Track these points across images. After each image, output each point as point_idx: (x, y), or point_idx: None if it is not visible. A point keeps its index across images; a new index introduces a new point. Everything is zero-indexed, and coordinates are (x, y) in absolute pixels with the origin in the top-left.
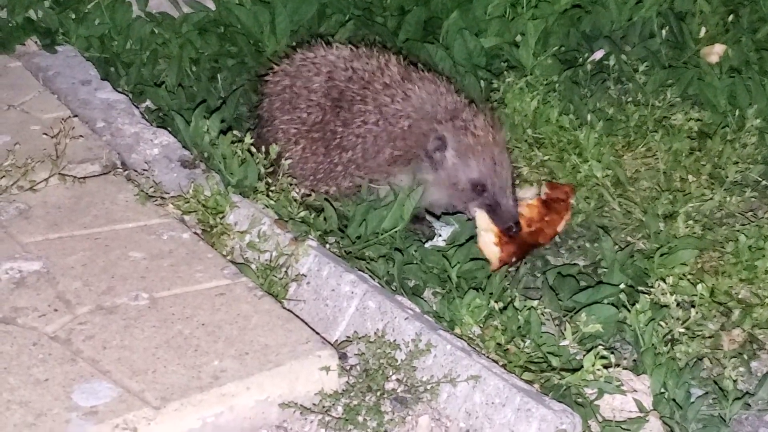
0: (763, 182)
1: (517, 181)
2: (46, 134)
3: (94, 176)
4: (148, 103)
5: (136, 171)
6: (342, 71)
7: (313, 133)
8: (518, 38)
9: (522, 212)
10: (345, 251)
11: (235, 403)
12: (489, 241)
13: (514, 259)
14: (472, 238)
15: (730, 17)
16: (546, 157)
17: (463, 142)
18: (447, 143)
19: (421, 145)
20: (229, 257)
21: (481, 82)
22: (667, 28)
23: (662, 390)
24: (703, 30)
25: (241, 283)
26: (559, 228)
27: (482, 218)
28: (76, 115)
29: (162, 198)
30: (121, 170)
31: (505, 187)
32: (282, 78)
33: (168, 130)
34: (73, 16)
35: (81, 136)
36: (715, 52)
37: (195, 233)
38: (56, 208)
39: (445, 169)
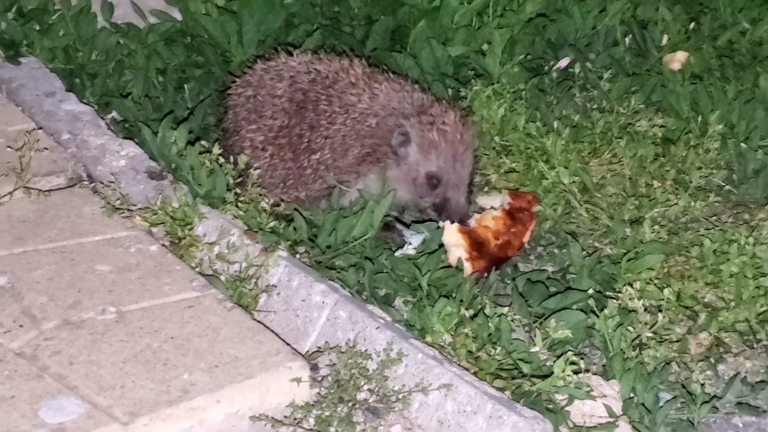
0: (727, 187)
1: (486, 188)
2: (10, 147)
3: (60, 189)
4: (114, 114)
5: (102, 183)
6: (305, 74)
7: (280, 139)
8: (485, 47)
9: (488, 225)
10: (315, 261)
11: (205, 417)
12: (459, 256)
13: (485, 275)
14: (442, 246)
15: (692, 25)
16: (514, 164)
17: (427, 137)
18: (411, 138)
19: (387, 142)
20: (197, 269)
21: (449, 90)
22: (631, 36)
23: (631, 395)
24: (666, 38)
25: (211, 295)
26: (525, 238)
27: (450, 234)
28: (40, 128)
29: (129, 210)
30: (87, 182)
31: (461, 184)
32: (245, 89)
33: (135, 142)
34: (38, 28)
35: (46, 148)
36: (678, 60)
37: (163, 245)
38: (21, 221)
39: (407, 164)
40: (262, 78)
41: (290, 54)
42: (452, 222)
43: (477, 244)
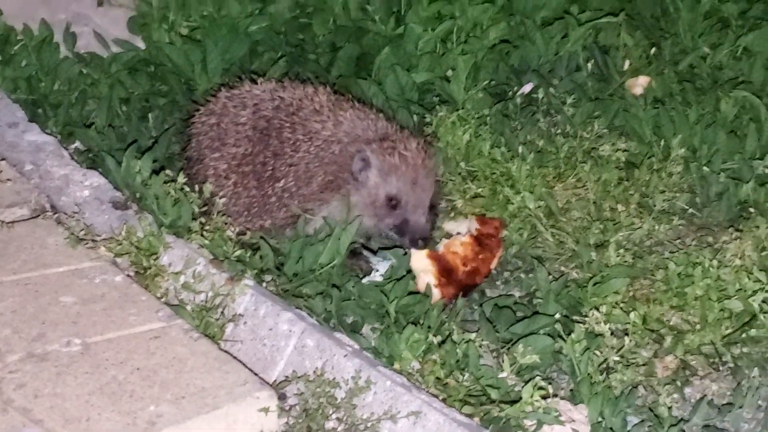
0: (690, 210)
1: (451, 214)
2: None
3: (23, 220)
4: (77, 144)
5: (66, 214)
6: (268, 102)
7: (244, 167)
8: (449, 73)
9: (456, 251)
10: (282, 289)
11: None
12: (428, 282)
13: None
14: (410, 272)
15: (653, 50)
16: (479, 190)
17: (388, 161)
18: (370, 162)
19: (348, 168)
20: (163, 299)
21: (414, 116)
22: (593, 61)
23: (599, 419)
24: (628, 63)
25: (177, 326)
26: (493, 265)
27: (419, 259)
28: (3, 158)
29: (93, 241)
30: (50, 213)
31: (420, 206)
32: (208, 117)
33: (99, 172)
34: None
35: (9, 179)
36: (640, 84)
37: (128, 276)
38: None
39: (367, 188)
40: (225, 106)
41: (254, 82)
42: (414, 244)
43: (445, 271)
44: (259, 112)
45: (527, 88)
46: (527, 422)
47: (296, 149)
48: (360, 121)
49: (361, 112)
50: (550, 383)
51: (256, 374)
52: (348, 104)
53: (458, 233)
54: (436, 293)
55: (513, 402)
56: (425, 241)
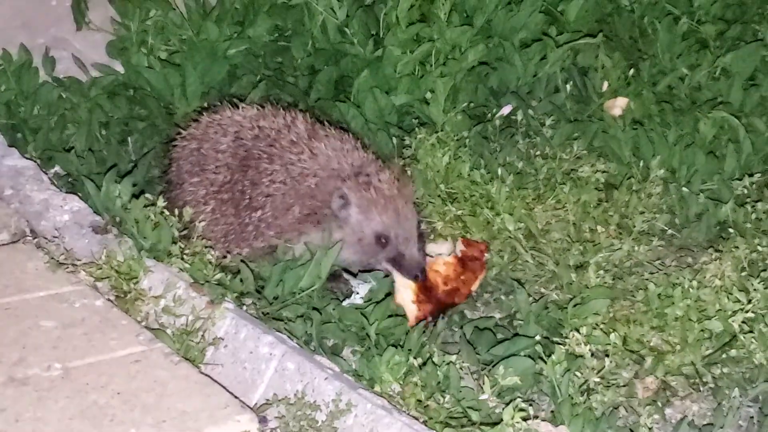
0: (669, 231)
1: (431, 236)
2: None
3: (3, 245)
4: (57, 168)
5: (46, 238)
6: (248, 130)
7: (222, 194)
8: (428, 95)
9: (439, 270)
10: (262, 312)
11: None
12: (407, 298)
13: (430, 318)
14: (390, 294)
15: (631, 71)
16: (459, 212)
17: (365, 197)
18: (350, 201)
19: (328, 204)
20: (143, 323)
21: (393, 139)
22: (571, 82)
23: None
24: (606, 84)
25: (157, 349)
26: (474, 287)
27: (400, 276)
28: None
29: (73, 265)
30: (30, 238)
31: (410, 237)
32: (189, 141)
33: (78, 196)
34: None
35: None
36: (618, 106)
37: (108, 300)
38: None
39: (350, 226)
40: (206, 131)
41: (236, 107)
42: (414, 278)
43: (425, 288)
44: (239, 140)
45: (506, 109)
46: None
47: (273, 180)
48: (335, 153)
49: (337, 141)
50: (530, 405)
51: (236, 397)
52: (324, 133)
53: (440, 254)
54: (413, 310)
55: (494, 424)
56: (423, 273)
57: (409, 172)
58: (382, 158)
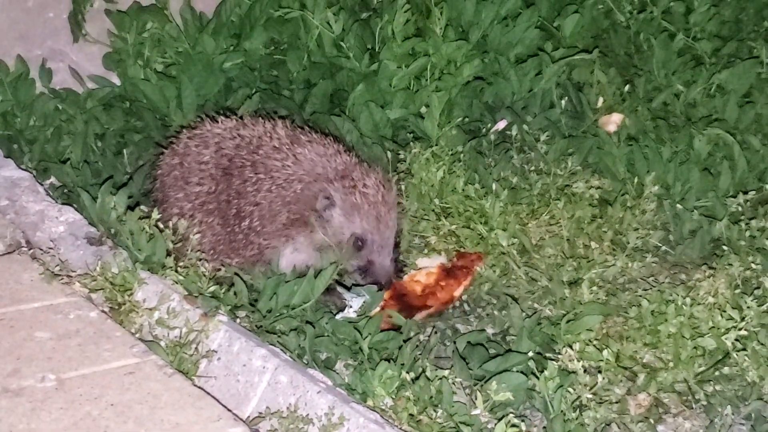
0: (663, 247)
1: (425, 251)
2: None
3: None
4: (52, 180)
5: (41, 249)
6: (230, 140)
7: (208, 205)
8: (423, 110)
9: (419, 279)
10: (256, 325)
11: None
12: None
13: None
14: (383, 309)
15: (626, 87)
16: (453, 226)
17: (350, 200)
18: (334, 202)
19: (312, 206)
20: (137, 335)
21: (388, 153)
22: (566, 98)
23: None
24: (601, 100)
25: (151, 361)
26: (457, 292)
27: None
28: None
29: (68, 276)
30: (25, 249)
31: (386, 245)
32: (171, 158)
33: (74, 207)
34: None
35: None
36: (613, 122)
37: (103, 311)
38: None
39: (332, 227)
40: (187, 146)
41: (215, 120)
42: (379, 287)
43: (399, 296)
44: (221, 151)
45: (501, 124)
46: None
47: (258, 188)
48: (319, 157)
49: (321, 146)
50: (523, 420)
51: (229, 410)
52: (306, 138)
53: (426, 267)
54: (376, 309)
55: None
56: (389, 284)
57: (400, 184)
58: (367, 163)
